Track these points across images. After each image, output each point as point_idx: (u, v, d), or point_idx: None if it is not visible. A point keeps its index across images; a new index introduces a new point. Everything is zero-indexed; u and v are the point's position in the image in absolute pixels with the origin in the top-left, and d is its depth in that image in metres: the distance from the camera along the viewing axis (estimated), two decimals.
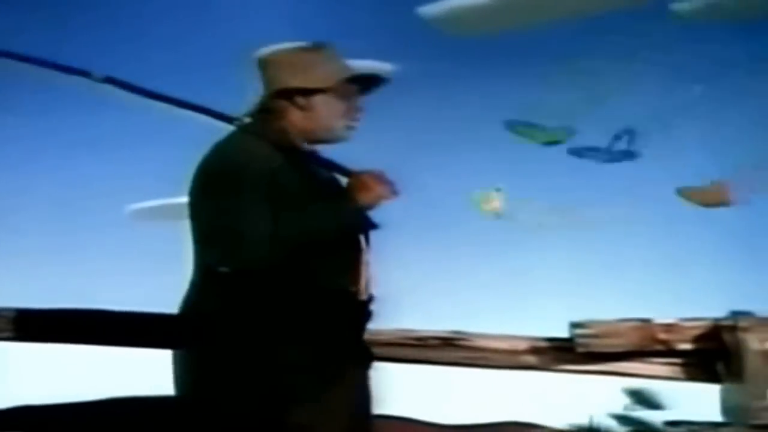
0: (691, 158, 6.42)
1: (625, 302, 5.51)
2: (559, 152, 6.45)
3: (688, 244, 6.43)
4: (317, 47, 3.88)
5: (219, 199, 3.62)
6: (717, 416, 4.46)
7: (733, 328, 4.41)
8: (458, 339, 4.56)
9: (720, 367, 4.44)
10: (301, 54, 3.87)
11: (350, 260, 3.72)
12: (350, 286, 3.70)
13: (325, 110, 3.81)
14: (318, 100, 3.81)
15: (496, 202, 4.01)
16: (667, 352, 4.51)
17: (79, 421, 4.66)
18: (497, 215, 4.00)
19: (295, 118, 3.80)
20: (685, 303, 5.00)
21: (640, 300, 5.69)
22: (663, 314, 4.54)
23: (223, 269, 3.61)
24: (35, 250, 7.07)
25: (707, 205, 4.04)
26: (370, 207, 3.73)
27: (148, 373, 4.66)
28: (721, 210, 6.07)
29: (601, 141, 6.51)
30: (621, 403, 5.73)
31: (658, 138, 6.59)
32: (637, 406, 5.68)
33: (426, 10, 7.31)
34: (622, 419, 5.66)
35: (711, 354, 4.46)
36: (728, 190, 4.03)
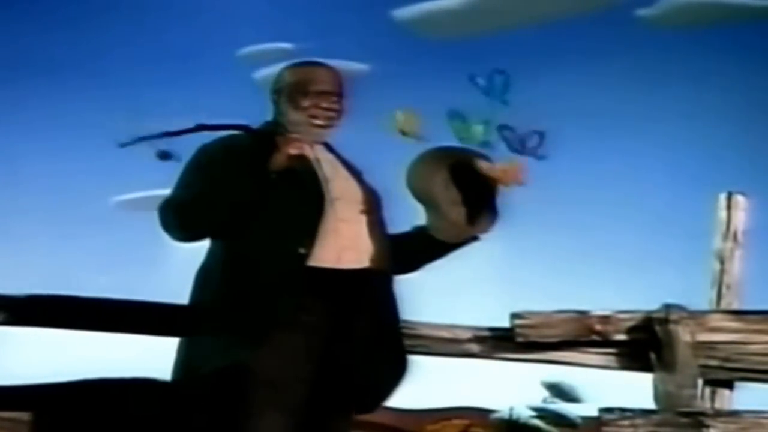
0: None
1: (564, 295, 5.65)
2: None
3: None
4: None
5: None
6: (649, 403, 4.58)
7: (665, 321, 4.57)
8: (405, 328, 4.54)
9: (652, 357, 4.58)
10: None
11: (307, 224, 3.90)
12: (300, 249, 3.87)
13: (285, 107, 4.10)
14: (282, 98, 4.11)
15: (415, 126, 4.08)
16: (603, 342, 4.65)
17: (54, 401, 4.76)
18: (417, 138, 4.07)
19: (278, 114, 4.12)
20: (620, 296, 5.17)
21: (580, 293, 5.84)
22: (599, 306, 4.69)
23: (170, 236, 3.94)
24: (24, 237, 7.23)
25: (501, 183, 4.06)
26: None
27: (122, 355, 4.89)
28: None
29: None
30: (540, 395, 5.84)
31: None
32: (555, 399, 5.80)
33: (399, 13, 7.51)
34: (539, 411, 5.77)
35: (644, 344, 4.60)
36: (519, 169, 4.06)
